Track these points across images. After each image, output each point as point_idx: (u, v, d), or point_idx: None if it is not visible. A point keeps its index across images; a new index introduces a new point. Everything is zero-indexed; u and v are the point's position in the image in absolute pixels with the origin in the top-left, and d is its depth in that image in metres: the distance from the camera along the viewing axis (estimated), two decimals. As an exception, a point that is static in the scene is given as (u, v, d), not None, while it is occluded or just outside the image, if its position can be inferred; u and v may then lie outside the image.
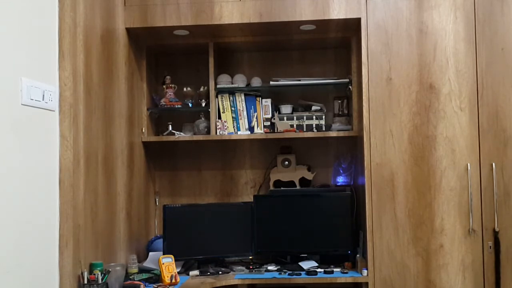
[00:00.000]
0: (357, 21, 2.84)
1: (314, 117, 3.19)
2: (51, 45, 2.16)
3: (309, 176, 3.26)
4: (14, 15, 1.92)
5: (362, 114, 2.81)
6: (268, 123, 3.22)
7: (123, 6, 2.89)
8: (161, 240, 3.08)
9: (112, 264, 2.52)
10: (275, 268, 2.91)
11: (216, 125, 3.15)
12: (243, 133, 3.22)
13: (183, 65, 3.48)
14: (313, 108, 3.24)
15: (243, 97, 3.26)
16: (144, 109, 3.21)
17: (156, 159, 3.45)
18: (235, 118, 3.25)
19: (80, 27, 2.33)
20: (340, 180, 3.24)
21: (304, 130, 3.17)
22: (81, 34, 2.33)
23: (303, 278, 2.76)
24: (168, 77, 3.32)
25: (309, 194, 3.13)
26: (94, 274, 2.28)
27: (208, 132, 3.21)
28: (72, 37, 2.25)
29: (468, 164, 2.70)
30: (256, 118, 3.24)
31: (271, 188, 3.27)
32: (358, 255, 2.91)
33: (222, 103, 3.24)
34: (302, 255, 3.04)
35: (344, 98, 3.29)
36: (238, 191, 3.44)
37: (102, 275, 2.31)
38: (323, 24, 2.93)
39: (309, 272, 2.81)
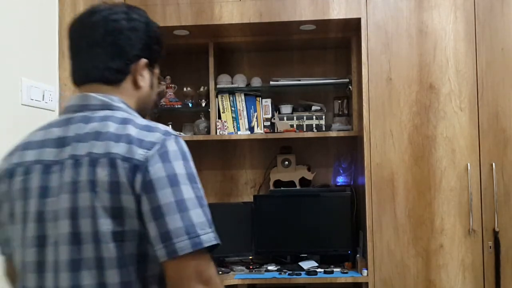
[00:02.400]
0: (357, 21, 2.83)
1: (314, 117, 3.19)
2: (51, 45, 2.16)
3: (309, 176, 3.26)
4: (14, 15, 1.92)
5: (362, 114, 2.81)
6: (268, 123, 3.22)
7: (123, 6, 2.89)
8: (161, 240, 3.08)
9: (112, 264, 2.52)
10: (275, 268, 2.91)
11: (216, 125, 3.15)
12: (243, 133, 3.22)
13: (183, 65, 3.48)
14: (313, 108, 3.24)
15: (243, 97, 3.26)
16: (144, 109, 3.20)
17: (156, 159, 3.44)
18: (235, 118, 3.25)
19: (80, 27, 2.33)
20: (340, 180, 3.24)
21: (304, 130, 3.17)
22: (81, 34, 2.33)
23: (303, 278, 2.76)
24: (168, 77, 3.32)
25: (309, 194, 3.13)
26: (94, 274, 2.28)
27: (208, 132, 3.21)
28: (72, 37, 2.25)
29: (468, 164, 2.70)
30: (256, 118, 3.24)
31: (271, 188, 3.26)
32: (358, 255, 2.91)
33: (222, 103, 3.24)
34: (302, 255, 3.04)
35: (344, 98, 3.28)
36: (238, 191, 3.43)
37: (102, 275, 2.30)
38: (323, 24, 2.93)
39: (309, 272, 2.81)
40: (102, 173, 0.97)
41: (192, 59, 3.45)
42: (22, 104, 1.94)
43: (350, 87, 3.11)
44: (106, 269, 0.98)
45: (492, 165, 2.69)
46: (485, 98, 2.71)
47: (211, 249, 1.02)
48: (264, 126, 3.22)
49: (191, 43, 3.19)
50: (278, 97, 3.36)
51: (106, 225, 0.97)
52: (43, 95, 2.06)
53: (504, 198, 2.67)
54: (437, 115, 2.73)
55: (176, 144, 1.02)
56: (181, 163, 1.00)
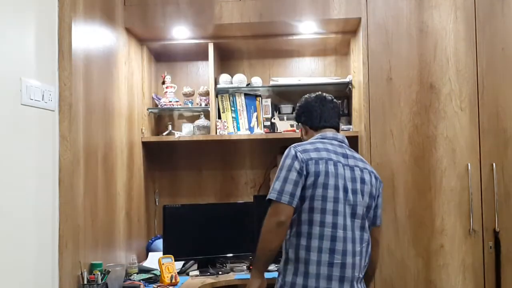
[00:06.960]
0: (357, 20, 2.83)
1: (314, 117, 3.17)
2: (51, 45, 2.16)
3: (309, 176, 3.25)
4: (14, 15, 1.92)
5: (362, 114, 2.81)
6: (268, 123, 3.22)
7: (123, 5, 2.89)
8: (161, 240, 3.08)
9: (112, 264, 2.52)
10: (275, 268, 2.90)
11: (216, 125, 3.14)
12: (243, 133, 3.22)
13: (183, 65, 3.48)
14: (313, 108, 3.23)
15: (243, 97, 3.26)
16: (144, 109, 3.20)
17: (156, 159, 3.44)
18: (235, 118, 3.25)
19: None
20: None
21: (304, 130, 3.16)
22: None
23: (303, 278, 2.75)
24: (168, 77, 3.32)
25: (309, 194, 3.12)
26: (94, 274, 2.28)
27: (208, 132, 3.20)
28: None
29: (469, 164, 2.70)
30: (256, 118, 3.24)
31: (271, 188, 3.26)
32: (358, 255, 2.90)
33: (222, 103, 3.24)
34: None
35: (344, 98, 3.28)
36: (238, 191, 3.43)
37: (102, 275, 2.30)
38: (323, 24, 2.93)
39: (309, 272, 2.80)
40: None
41: (192, 59, 3.44)
42: (21, 104, 1.93)
43: (350, 87, 3.11)
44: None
45: (492, 165, 2.68)
46: (485, 98, 2.71)
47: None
48: (264, 126, 3.22)
49: (191, 43, 3.19)
50: (278, 97, 3.36)
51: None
52: (43, 95, 2.05)
53: (505, 198, 2.67)
54: (438, 115, 2.72)
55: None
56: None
